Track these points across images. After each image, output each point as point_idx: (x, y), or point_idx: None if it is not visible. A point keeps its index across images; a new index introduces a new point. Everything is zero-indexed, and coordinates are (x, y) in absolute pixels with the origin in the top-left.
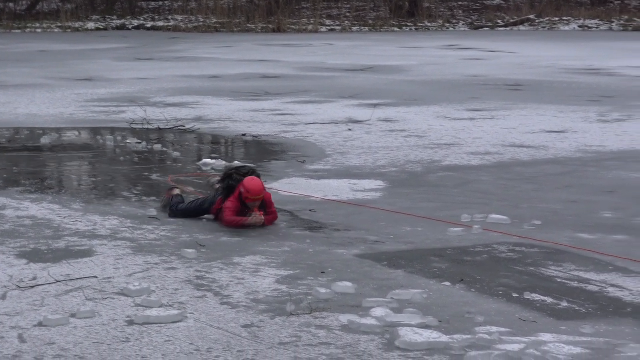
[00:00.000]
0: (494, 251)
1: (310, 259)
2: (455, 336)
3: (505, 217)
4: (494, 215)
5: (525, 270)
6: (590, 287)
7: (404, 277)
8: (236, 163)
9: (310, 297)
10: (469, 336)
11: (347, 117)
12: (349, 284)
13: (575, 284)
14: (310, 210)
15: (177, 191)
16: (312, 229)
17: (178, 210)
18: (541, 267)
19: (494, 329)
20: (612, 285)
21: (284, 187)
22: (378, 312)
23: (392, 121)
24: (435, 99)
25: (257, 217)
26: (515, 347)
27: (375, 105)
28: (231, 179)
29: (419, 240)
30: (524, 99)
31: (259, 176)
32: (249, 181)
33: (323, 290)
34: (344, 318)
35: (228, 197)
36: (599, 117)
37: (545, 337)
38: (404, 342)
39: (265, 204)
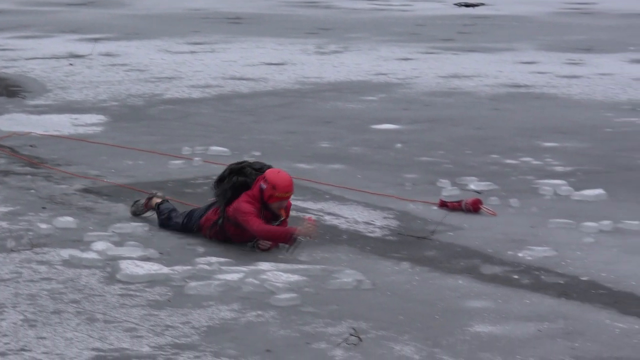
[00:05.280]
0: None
1: (30, 195)
2: (176, 267)
3: (225, 149)
4: (214, 147)
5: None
6: (308, 216)
7: (125, 210)
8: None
9: (30, 233)
10: (189, 267)
11: (68, 51)
12: (70, 218)
13: (294, 213)
14: (31, 146)
15: (157, 199)
16: (32, 165)
17: (172, 222)
18: None
19: (214, 259)
20: (329, 214)
21: (4, 123)
22: (99, 246)
23: (114, 55)
24: (157, 33)
25: (310, 225)
26: (234, 277)
27: (96, 40)
28: (242, 174)
29: (140, 173)
30: (244, 32)
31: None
32: (275, 174)
33: (44, 226)
34: (65, 253)
35: (234, 199)
36: (317, 49)
37: (264, 266)
38: (125, 274)
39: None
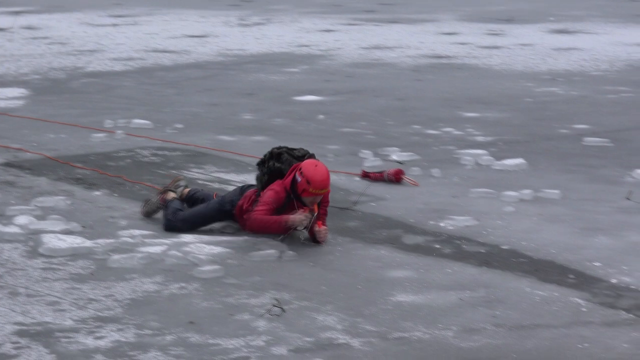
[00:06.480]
0: (137, 155)
1: None
2: (99, 240)
3: (147, 122)
4: (136, 120)
5: (167, 173)
6: (229, 187)
7: (48, 184)
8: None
9: None
10: (112, 240)
11: None
12: None
13: (216, 185)
14: None
15: (173, 194)
16: None
17: (180, 220)
18: (183, 170)
19: (137, 232)
20: (252, 186)
21: None
22: (21, 220)
23: (35, 28)
24: (78, 5)
25: (303, 215)
26: (157, 249)
27: (17, 13)
28: (279, 160)
29: (63, 147)
30: (167, 4)
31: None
32: (312, 167)
33: None
34: None
35: (268, 185)
36: (240, 21)
37: (187, 238)
38: (48, 248)
39: (322, 200)
